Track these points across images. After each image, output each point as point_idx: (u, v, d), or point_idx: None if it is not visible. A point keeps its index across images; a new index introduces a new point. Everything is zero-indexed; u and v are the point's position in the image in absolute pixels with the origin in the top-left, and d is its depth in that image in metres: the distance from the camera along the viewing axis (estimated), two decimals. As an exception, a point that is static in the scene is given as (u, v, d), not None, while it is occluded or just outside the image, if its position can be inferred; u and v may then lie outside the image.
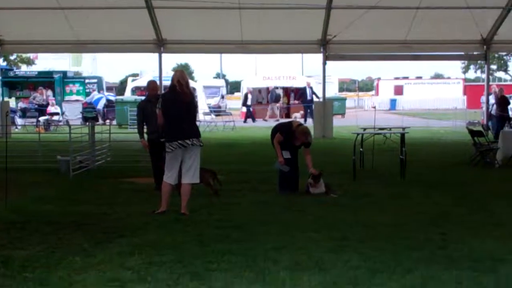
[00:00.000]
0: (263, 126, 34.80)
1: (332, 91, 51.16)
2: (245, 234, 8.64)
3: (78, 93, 47.39)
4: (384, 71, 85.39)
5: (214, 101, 47.26)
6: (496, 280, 6.55)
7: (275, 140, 12.45)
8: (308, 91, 40.58)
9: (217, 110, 41.65)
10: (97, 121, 33.41)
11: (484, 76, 35.49)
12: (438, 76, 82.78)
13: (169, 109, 10.15)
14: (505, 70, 64.90)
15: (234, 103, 55.68)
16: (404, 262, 7.21)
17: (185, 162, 10.25)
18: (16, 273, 6.83)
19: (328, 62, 26.78)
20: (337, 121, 31.93)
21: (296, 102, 48.51)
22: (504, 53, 60.18)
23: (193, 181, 10.33)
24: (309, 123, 31.12)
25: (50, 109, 36.56)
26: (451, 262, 7.27)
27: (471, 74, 71.67)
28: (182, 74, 10.33)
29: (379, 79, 68.29)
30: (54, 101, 39.63)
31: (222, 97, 51.46)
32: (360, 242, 8.23)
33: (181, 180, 10.33)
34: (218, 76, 75.37)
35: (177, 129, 10.12)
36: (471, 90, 57.75)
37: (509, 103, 26.56)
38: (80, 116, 37.36)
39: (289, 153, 12.39)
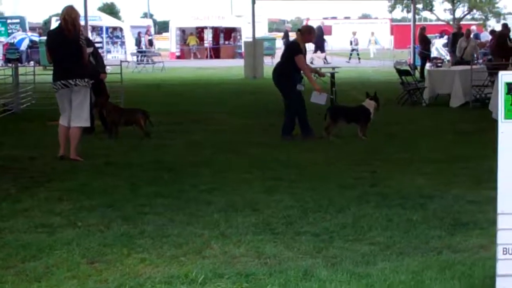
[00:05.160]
0: (193, 67, 34.58)
1: (262, 31, 50.91)
2: (178, 176, 8.58)
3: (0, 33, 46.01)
4: (313, 11, 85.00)
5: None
6: (424, 216, 6.64)
7: (303, 65, 11.82)
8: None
9: (145, 51, 40.87)
10: (21, 62, 32.37)
11: (410, 15, 35.72)
12: (365, 16, 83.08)
13: (53, 47, 9.85)
14: (431, 10, 65.46)
15: (163, 43, 54.85)
16: (336, 201, 7.27)
17: (72, 103, 9.80)
18: None
19: (257, 2, 26.52)
20: (267, 61, 31.73)
21: (226, 42, 47.99)
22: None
23: (80, 123, 9.82)
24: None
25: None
26: (382, 200, 7.36)
27: (398, 13, 72.19)
28: (70, 10, 9.68)
29: (308, 19, 68.13)
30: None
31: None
32: (293, 181, 8.27)
33: (70, 123, 9.85)
34: (145, 15, 74.07)
35: (61, 69, 9.76)
36: (398, 30, 58.55)
37: (429, 42, 27.14)
38: (-1, 57, 36.25)
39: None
